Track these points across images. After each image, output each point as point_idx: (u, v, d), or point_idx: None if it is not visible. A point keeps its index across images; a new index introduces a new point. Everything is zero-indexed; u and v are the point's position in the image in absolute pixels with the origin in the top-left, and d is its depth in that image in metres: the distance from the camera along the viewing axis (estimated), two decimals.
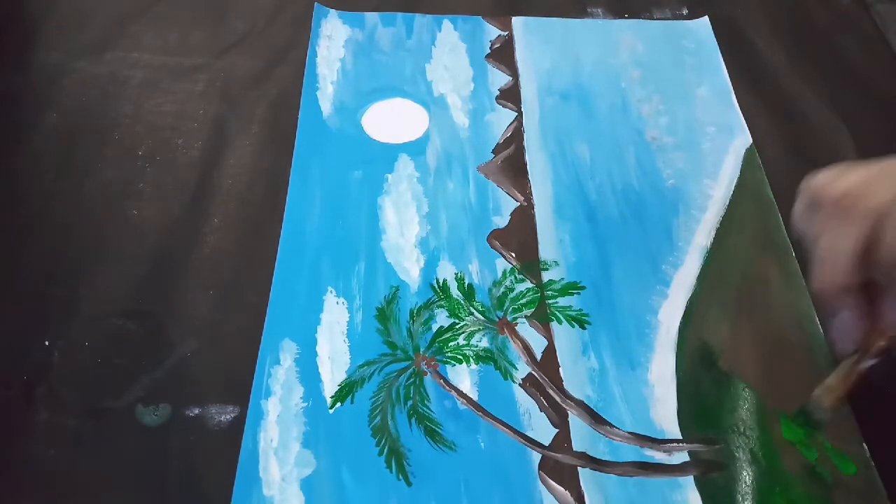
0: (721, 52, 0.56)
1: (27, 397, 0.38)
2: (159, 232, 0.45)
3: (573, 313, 0.42)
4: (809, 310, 0.42)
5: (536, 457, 0.37)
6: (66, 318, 0.41)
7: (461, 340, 0.41)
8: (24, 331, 0.41)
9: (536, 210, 0.47)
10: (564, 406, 0.39)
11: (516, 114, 0.52)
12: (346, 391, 0.39)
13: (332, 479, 0.36)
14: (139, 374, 0.39)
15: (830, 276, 0.32)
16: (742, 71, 0.55)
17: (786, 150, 0.50)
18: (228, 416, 0.38)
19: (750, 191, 0.48)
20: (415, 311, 0.42)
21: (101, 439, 0.37)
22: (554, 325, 0.42)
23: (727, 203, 0.47)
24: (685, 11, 0.59)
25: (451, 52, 0.56)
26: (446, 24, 0.58)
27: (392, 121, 0.51)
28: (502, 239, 0.45)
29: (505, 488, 0.36)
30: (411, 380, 0.40)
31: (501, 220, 0.46)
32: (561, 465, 0.37)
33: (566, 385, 0.40)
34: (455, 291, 0.43)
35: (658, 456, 0.37)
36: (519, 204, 0.47)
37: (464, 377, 0.40)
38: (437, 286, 0.43)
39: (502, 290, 0.43)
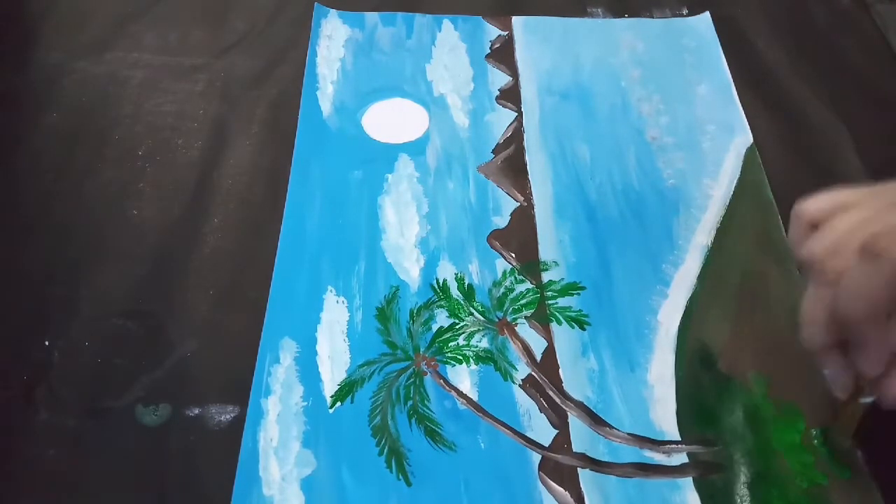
0: (721, 50, 0.56)
1: (27, 397, 0.38)
2: (159, 232, 0.45)
3: (573, 314, 0.42)
4: None
5: (536, 457, 0.37)
6: (66, 318, 0.41)
7: (461, 341, 0.41)
8: (24, 331, 0.41)
9: (536, 210, 0.47)
10: (564, 407, 0.39)
11: (516, 114, 0.52)
12: (346, 391, 0.39)
13: (332, 478, 0.36)
14: (139, 374, 0.39)
15: (810, 338, 0.34)
16: (742, 71, 0.55)
17: (786, 150, 0.50)
18: (228, 416, 0.38)
19: (750, 190, 0.48)
20: (415, 311, 0.42)
21: (101, 439, 0.37)
22: (554, 325, 0.42)
23: (727, 203, 0.47)
24: (685, 11, 0.59)
25: (451, 52, 0.56)
26: (446, 23, 0.58)
27: (392, 121, 0.51)
28: (502, 239, 0.45)
29: (505, 489, 0.36)
30: (411, 380, 0.40)
31: (501, 221, 0.46)
32: (561, 465, 0.37)
33: (566, 386, 0.40)
34: (455, 291, 0.43)
35: (657, 457, 0.37)
36: (519, 204, 0.47)
37: (464, 377, 0.40)
38: (437, 286, 0.43)
39: (502, 290, 0.43)
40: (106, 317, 0.42)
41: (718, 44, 0.56)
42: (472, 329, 0.42)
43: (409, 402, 0.39)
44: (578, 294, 0.43)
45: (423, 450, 0.37)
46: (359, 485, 0.36)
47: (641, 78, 0.54)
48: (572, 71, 0.55)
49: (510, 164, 0.49)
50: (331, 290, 0.43)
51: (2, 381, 0.39)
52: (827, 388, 0.36)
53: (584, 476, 0.37)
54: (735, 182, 0.48)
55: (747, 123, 0.51)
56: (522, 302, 0.43)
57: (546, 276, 0.44)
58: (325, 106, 0.52)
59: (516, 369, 0.40)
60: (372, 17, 0.58)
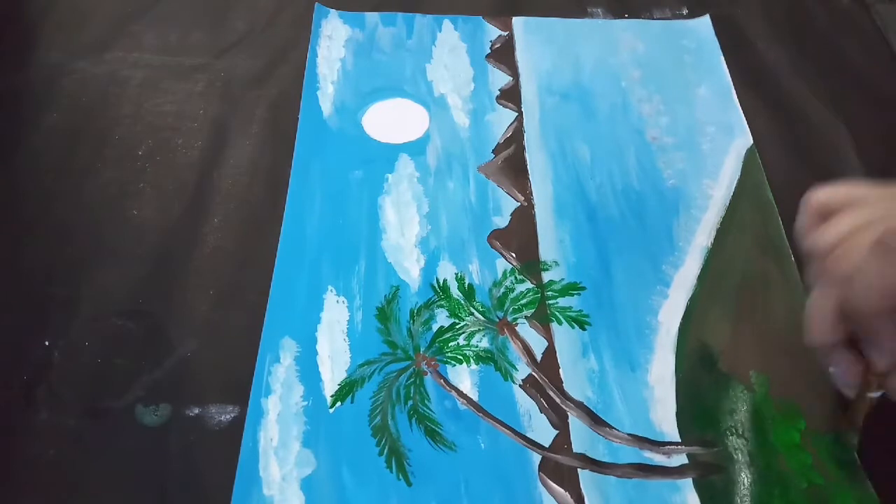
0: (721, 52, 0.56)
1: (27, 397, 0.38)
2: (159, 232, 0.45)
3: (573, 314, 0.42)
4: None
5: (536, 458, 0.37)
6: (66, 318, 0.41)
7: (461, 340, 0.41)
8: (24, 331, 0.41)
9: (536, 210, 0.47)
10: (564, 407, 0.39)
11: (516, 114, 0.52)
12: (346, 390, 0.39)
13: (332, 478, 0.36)
14: (139, 374, 0.39)
15: (818, 334, 0.34)
16: (742, 71, 0.55)
17: (786, 150, 0.50)
18: (228, 416, 0.38)
19: (750, 191, 0.48)
20: (415, 310, 0.42)
21: (101, 439, 0.37)
22: (554, 325, 0.42)
23: (727, 203, 0.47)
24: (685, 11, 0.59)
25: (451, 52, 0.56)
26: (446, 24, 0.58)
27: (392, 121, 0.51)
28: (502, 239, 0.45)
29: (505, 489, 0.36)
30: (411, 380, 0.40)
31: (501, 220, 0.46)
32: (561, 466, 0.37)
33: (566, 386, 0.40)
34: (455, 291, 0.43)
35: (657, 458, 0.37)
36: (519, 204, 0.47)
37: (464, 377, 0.40)
38: (437, 286, 0.43)
39: (502, 290, 0.43)
40: (106, 317, 0.42)
41: (718, 46, 0.56)
42: (472, 329, 0.42)
43: (410, 402, 0.39)
44: (579, 294, 0.43)
45: (423, 450, 0.37)
46: (359, 485, 0.36)
47: (641, 78, 0.54)
48: (572, 71, 0.55)
49: (510, 164, 0.49)
50: (331, 290, 0.43)
51: (2, 381, 0.39)
52: (830, 388, 0.36)
53: (584, 476, 0.37)
54: (735, 183, 0.48)
55: (747, 125, 0.51)
56: (523, 302, 0.43)
57: (546, 276, 0.44)
58: (326, 106, 0.52)
59: (516, 369, 0.40)
60: (372, 17, 0.58)
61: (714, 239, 0.45)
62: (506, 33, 0.57)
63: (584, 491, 0.36)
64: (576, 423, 0.38)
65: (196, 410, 0.38)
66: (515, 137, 0.51)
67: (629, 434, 0.38)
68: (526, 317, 0.42)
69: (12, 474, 0.36)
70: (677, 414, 0.38)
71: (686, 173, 0.49)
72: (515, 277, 0.44)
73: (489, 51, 0.56)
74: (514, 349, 0.41)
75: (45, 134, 0.50)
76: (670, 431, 0.38)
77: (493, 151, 0.50)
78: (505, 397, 0.39)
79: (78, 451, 0.37)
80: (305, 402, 0.39)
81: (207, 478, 0.36)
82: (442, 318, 0.42)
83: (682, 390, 0.39)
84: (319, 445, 0.37)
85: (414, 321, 0.42)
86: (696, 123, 0.51)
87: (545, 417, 0.39)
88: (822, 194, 0.36)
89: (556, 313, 0.42)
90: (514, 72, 0.55)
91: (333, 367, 0.40)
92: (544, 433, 0.38)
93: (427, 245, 0.45)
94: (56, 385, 0.39)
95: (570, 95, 0.53)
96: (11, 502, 0.36)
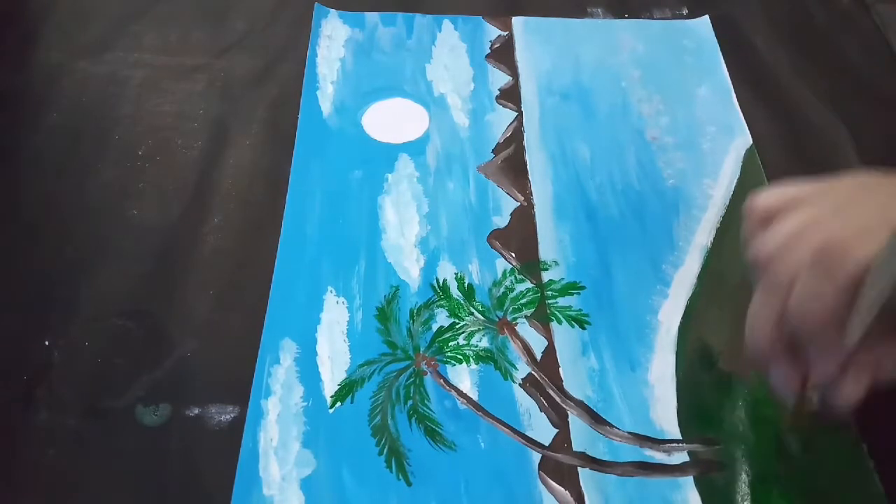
0: (721, 52, 0.56)
1: (27, 397, 0.38)
2: (159, 232, 0.45)
3: (573, 313, 0.42)
4: None
5: (536, 457, 0.37)
6: (66, 318, 0.41)
7: (461, 340, 0.41)
8: (24, 331, 0.41)
9: (536, 210, 0.47)
10: (564, 406, 0.39)
11: (516, 114, 0.52)
12: (346, 391, 0.39)
13: (332, 478, 0.36)
14: (139, 374, 0.39)
15: (758, 342, 0.33)
16: (742, 71, 0.55)
17: (786, 150, 0.50)
18: (228, 416, 0.38)
19: (750, 191, 0.47)
20: (415, 310, 0.42)
21: (101, 439, 0.37)
22: (554, 325, 0.42)
23: (727, 203, 0.47)
24: (685, 11, 0.59)
25: (451, 52, 0.56)
26: (446, 24, 0.58)
27: (392, 121, 0.51)
28: (502, 239, 0.45)
29: (505, 488, 0.36)
30: (411, 379, 0.40)
31: (501, 220, 0.46)
32: (561, 465, 0.37)
33: (566, 385, 0.40)
34: (455, 291, 0.43)
35: (658, 456, 0.37)
36: (519, 204, 0.47)
37: (464, 377, 0.40)
38: (437, 286, 0.43)
39: (502, 290, 0.43)
40: (106, 317, 0.42)
41: (718, 47, 0.56)
42: (472, 328, 0.42)
43: (409, 402, 0.39)
44: (578, 293, 0.43)
45: (423, 449, 0.37)
46: (359, 485, 0.36)
47: (641, 78, 0.54)
48: (572, 71, 0.55)
49: (510, 163, 0.49)
50: (331, 291, 0.43)
51: (2, 381, 0.39)
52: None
53: (585, 475, 0.37)
54: (735, 182, 0.48)
55: (746, 126, 0.51)
56: (522, 301, 0.43)
57: (546, 276, 0.44)
58: (325, 106, 0.52)
59: (516, 368, 0.40)
60: (372, 17, 0.58)
61: (714, 238, 0.45)
62: (506, 33, 0.57)
63: (584, 489, 0.36)
64: (576, 422, 0.38)
65: (196, 410, 0.38)
66: (515, 137, 0.51)
67: (629, 432, 0.38)
68: (526, 316, 0.42)
69: (12, 474, 0.36)
70: (678, 412, 0.38)
71: (686, 173, 0.49)
72: (515, 277, 0.44)
73: (489, 51, 0.56)
74: (514, 349, 0.41)
75: (45, 134, 0.50)
76: (671, 430, 0.38)
77: (493, 151, 0.50)
78: (505, 397, 0.39)
79: (78, 451, 0.37)
80: (305, 403, 0.39)
81: (207, 478, 0.36)
82: (442, 318, 0.42)
83: (683, 389, 0.39)
84: (319, 445, 0.37)
85: (414, 321, 0.42)
86: (695, 123, 0.51)
87: (545, 416, 0.39)
88: (761, 199, 0.35)
89: (556, 313, 0.42)
90: (513, 72, 0.55)
91: (333, 367, 0.40)
92: (544, 432, 0.38)
93: (427, 245, 0.45)
94: (56, 385, 0.39)
95: (570, 95, 0.53)
96: (11, 502, 0.36)
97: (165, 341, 0.41)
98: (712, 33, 0.57)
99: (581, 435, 0.38)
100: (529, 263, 0.44)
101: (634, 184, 0.48)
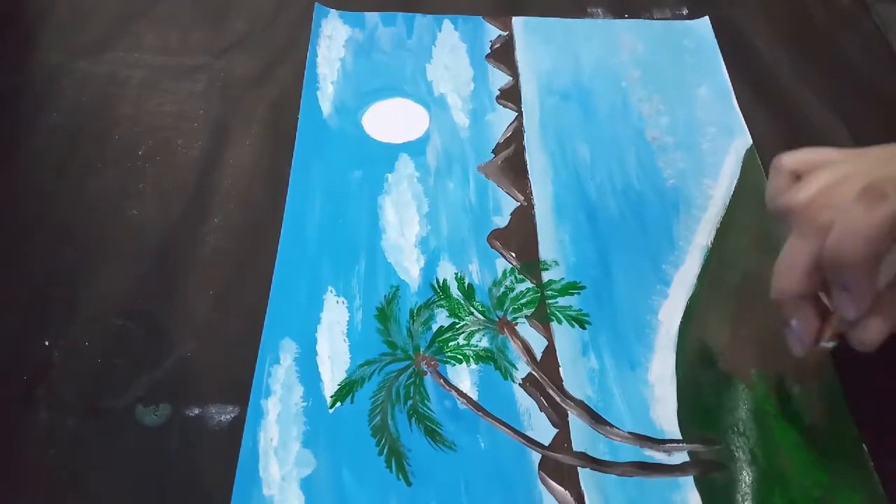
0: (721, 52, 0.56)
1: (27, 397, 0.38)
2: (159, 232, 0.45)
3: (573, 313, 0.42)
4: None
5: (536, 457, 0.37)
6: (66, 318, 0.41)
7: (461, 340, 0.41)
8: (24, 331, 0.41)
9: (536, 210, 0.47)
10: (564, 406, 0.39)
11: (516, 114, 0.52)
12: (346, 391, 0.39)
13: (332, 478, 0.36)
14: (139, 374, 0.39)
15: (789, 284, 0.34)
16: (742, 71, 0.55)
17: (786, 150, 0.50)
18: (228, 416, 0.38)
19: (750, 191, 0.48)
20: (415, 310, 0.42)
21: (101, 439, 0.37)
22: (554, 324, 0.42)
23: (727, 203, 0.47)
24: (685, 11, 0.59)
25: (451, 52, 0.56)
26: (446, 24, 0.58)
27: (392, 121, 0.51)
28: (502, 239, 0.45)
29: (505, 488, 0.36)
30: (411, 379, 0.40)
31: (501, 220, 0.46)
32: (561, 465, 0.37)
33: (566, 385, 0.40)
34: (455, 291, 0.43)
35: (658, 456, 0.37)
36: (519, 204, 0.47)
37: (464, 377, 0.40)
38: (437, 286, 0.43)
39: (502, 289, 0.43)
40: (106, 317, 0.42)
41: (717, 47, 0.56)
42: (472, 328, 0.42)
43: (409, 402, 0.39)
44: (578, 293, 0.43)
45: (423, 449, 0.37)
46: (359, 485, 0.36)
47: (641, 78, 0.54)
48: (572, 71, 0.55)
49: (510, 163, 0.49)
50: (331, 291, 0.43)
51: (2, 381, 0.39)
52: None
53: (585, 475, 0.37)
54: (735, 183, 0.48)
55: (746, 127, 0.51)
56: (522, 301, 0.43)
57: (546, 276, 0.44)
58: (326, 106, 0.52)
59: (516, 368, 0.40)
60: (372, 17, 0.58)
61: (714, 238, 0.45)
62: (506, 33, 0.57)
63: (584, 489, 0.36)
64: (576, 422, 0.38)
65: (196, 410, 0.38)
66: (515, 137, 0.51)
67: (630, 432, 0.38)
68: (526, 316, 0.42)
69: (12, 474, 0.36)
70: (678, 412, 0.38)
71: (686, 173, 0.49)
72: (515, 277, 0.44)
73: (489, 51, 0.56)
74: (514, 348, 0.41)
75: (45, 134, 0.50)
76: (671, 430, 0.38)
77: (493, 151, 0.50)
78: (505, 396, 0.39)
79: (78, 451, 0.37)
80: (305, 403, 0.39)
81: (207, 478, 0.36)
82: (442, 318, 0.42)
83: (683, 389, 0.39)
84: (319, 445, 0.37)
85: (414, 321, 0.42)
86: (695, 123, 0.51)
87: (545, 416, 0.39)
88: (793, 156, 0.36)
89: (556, 312, 0.42)
90: (513, 72, 0.55)
91: (333, 367, 0.40)
92: (544, 432, 0.38)
93: (427, 245, 0.45)
94: (56, 385, 0.39)
95: (570, 95, 0.53)
96: (11, 502, 0.36)
97: (165, 341, 0.41)
98: (712, 34, 0.57)
99: (581, 435, 0.38)
100: (529, 263, 0.44)
101: (634, 184, 0.48)
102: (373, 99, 0.52)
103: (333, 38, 0.56)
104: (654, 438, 0.38)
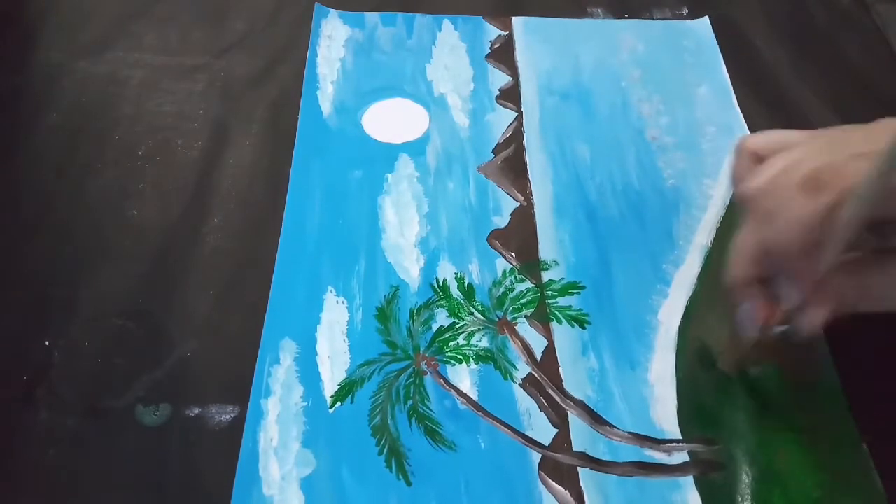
0: (721, 52, 0.56)
1: (27, 397, 0.38)
2: (159, 232, 0.45)
3: (573, 313, 0.42)
4: None
5: (536, 457, 0.37)
6: (66, 318, 0.41)
7: (461, 340, 0.41)
8: (24, 331, 0.41)
9: (536, 210, 0.47)
10: (564, 406, 0.39)
11: (516, 114, 0.52)
12: (346, 391, 0.39)
13: (332, 478, 0.36)
14: (139, 374, 0.39)
15: (738, 269, 0.35)
16: (742, 71, 0.55)
17: None
18: (228, 416, 0.38)
19: None
20: (415, 310, 0.42)
21: (101, 439, 0.37)
22: (554, 324, 0.42)
23: (727, 203, 0.47)
24: (685, 11, 0.59)
25: (451, 52, 0.56)
26: (446, 24, 0.58)
27: (392, 121, 0.51)
28: (502, 239, 0.45)
29: (505, 488, 0.36)
30: (411, 379, 0.40)
31: (501, 220, 0.46)
32: (561, 465, 0.37)
33: (566, 385, 0.40)
34: (455, 291, 0.43)
35: (658, 456, 0.37)
36: (519, 204, 0.47)
37: (464, 377, 0.40)
38: (437, 286, 0.43)
39: (502, 289, 0.43)
40: (106, 317, 0.42)
41: (717, 47, 0.56)
42: (472, 328, 0.42)
43: (409, 402, 0.39)
44: (578, 293, 0.43)
45: (422, 449, 0.37)
46: (359, 485, 0.36)
47: (641, 78, 0.54)
48: (572, 71, 0.55)
49: (510, 163, 0.49)
50: (331, 291, 0.43)
51: (2, 381, 0.39)
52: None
53: (584, 475, 0.37)
54: None
55: (746, 126, 0.51)
56: (522, 301, 0.43)
57: (546, 276, 0.44)
58: (325, 106, 0.52)
59: (516, 368, 0.40)
60: (372, 17, 0.58)
61: (714, 238, 0.45)
62: (506, 33, 0.57)
63: (584, 489, 0.36)
64: (575, 422, 0.38)
65: (196, 410, 0.38)
66: (515, 137, 0.51)
67: (629, 432, 0.38)
68: (526, 316, 0.42)
69: (12, 474, 0.36)
70: (678, 412, 0.38)
71: (686, 173, 0.49)
72: (515, 277, 0.44)
73: (489, 51, 0.56)
74: (514, 348, 0.41)
75: (45, 134, 0.50)
76: (671, 430, 0.38)
77: (493, 151, 0.50)
78: (505, 396, 0.39)
79: (78, 451, 0.37)
80: (305, 403, 0.39)
81: (207, 478, 0.36)
82: (442, 318, 0.42)
83: (683, 389, 0.39)
84: (319, 445, 0.37)
85: (414, 321, 0.42)
86: (695, 123, 0.51)
87: (545, 416, 0.39)
88: (755, 138, 0.36)
89: (556, 312, 0.42)
90: (513, 72, 0.55)
91: (333, 367, 0.40)
92: (544, 432, 0.38)
93: (427, 245, 0.45)
94: (56, 385, 0.39)
95: (570, 95, 0.53)
96: (11, 502, 0.36)
97: (165, 341, 0.41)
98: (712, 34, 0.57)
99: (581, 435, 0.38)
100: (529, 263, 0.44)
101: (634, 183, 0.48)
102: (373, 99, 0.52)
103: (333, 38, 0.56)
104: (653, 438, 0.38)
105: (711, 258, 0.44)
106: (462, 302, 0.43)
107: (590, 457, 0.37)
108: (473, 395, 0.39)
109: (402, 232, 0.45)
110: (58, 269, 0.44)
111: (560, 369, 0.40)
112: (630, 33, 0.57)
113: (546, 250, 0.45)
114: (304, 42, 0.56)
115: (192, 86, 0.53)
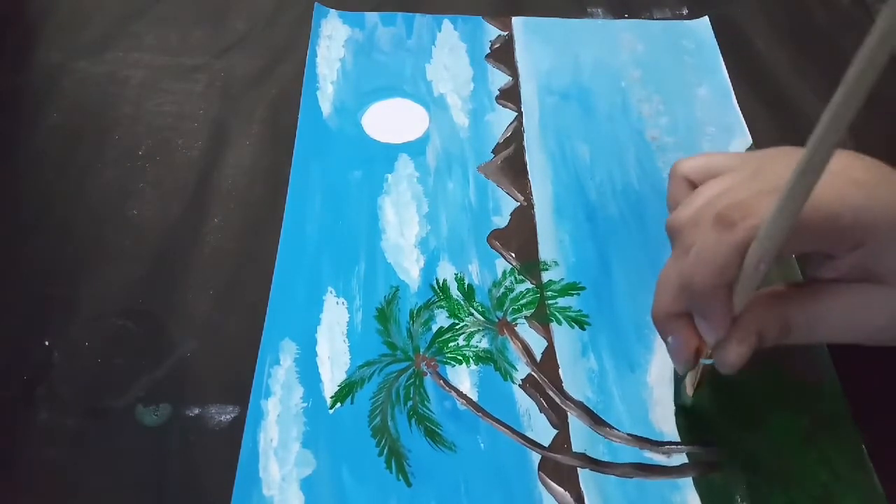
0: (721, 52, 0.56)
1: (27, 397, 0.38)
2: (159, 232, 0.45)
3: (573, 314, 0.42)
4: None
5: (536, 457, 0.37)
6: (66, 318, 0.41)
7: (461, 341, 0.41)
8: (24, 331, 0.41)
9: (536, 210, 0.47)
10: (564, 407, 0.39)
11: (516, 114, 0.52)
12: (346, 391, 0.39)
13: (332, 479, 0.36)
14: (139, 374, 0.39)
15: (660, 305, 0.34)
16: (742, 71, 0.55)
17: None
18: (228, 416, 0.38)
19: None
20: (415, 311, 0.42)
21: (101, 439, 0.37)
22: (554, 325, 0.42)
23: None
24: (685, 11, 0.59)
25: (451, 52, 0.56)
26: (446, 24, 0.58)
27: (392, 121, 0.51)
28: (502, 239, 0.45)
29: (505, 489, 0.36)
30: (411, 380, 0.40)
31: (501, 220, 0.46)
32: (560, 465, 0.37)
33: (566, 386, 0.40)
34: (455, 292, 0.43)
35: (657, 457, 0.37)
36: (519, 204, 0.47)
37: (464, 378, 0.40)
38: (436, 286, 0.43)
39: (502, 290, 0.43)
40: (106, 317, 0.42)
41: (717, 48, 0.56)
42: (471, 329, 0.42)
43: (409, 403, 0.39)
44: (578, 294, 0.43)
45: (422, 450, 0.37)
46: (359, 485, 0.36)
47: (641, 78, 0.54)
48: (572, 71, 0.55)
49: (510, 163, 0.49)
50: (331, 291, 0.43)
51: (2, 381, 0.39)
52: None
53: (584, 476, 0.37)
54: None
55: (746, 126, 0.51)
56: (522, 302, 0.43)
57: (546, 276, 0.44)
58: (325, 106, 0.52)
59: (516, 369, 0.40)
60: (372, 17, 0.58)
61: None
62: (505, 33, 0.57)
63: (583, 490, 0.36)
64: (575, 423, 0.38)
65: (196, 410, 0.38)
66: (515, 137, 0.51)
67: (629, 434, 0.38)
68: (525, 317, 0.42)
69: (12, 474, 0.36)
70: (675, 414, 0.38)
71: None
72: (515, 277, 0.44)
73: (489, 51, 0.56)
74: (514, 349, 0.41)
75: (45, 134, 0.50)
76: (669, 431, 0.38)
77: (493, 151, 0.50)
78: (504, 397, 0.39)
79: (78, 451, 0.37)
80: (305, 404, 0.39)
81: (207, 478, 0.36)
82: (441, 319, 0.42)
83: (681, 390, 0.39)
84: (319, 446, 0.37)
85: (413, 322, 0.42)
86: (695, 123, 0.51)
87: (545, 417, 0.39)
88: (688, 164, 0.36)
89: (556, 313, 0.42)
90: (513, 72, 0.55)
91: (333, 368, 0.40)
92: (544, 433, 0.38)
93: (427, 245, 0.45)
94: (56, 385, 0.39)
95: (570, 95, 0.53)
96: (11, 502, 0.36)
97: (165, 341, 0.41)
98: (712, 34, 0.57)
99: (581, 436, 0.38)
100: (529, 264, 0.44)
101: (634, 184, 0.48)
102: (372, 99, 0.52)
103: (333, 38, 0.56)
104: (652, 440, 0.38)
105: None
106: (462, 303, 0.43)
107: (589, 458, 0.37)
108: (473, 396, 0.39)
109: (402, 232, 0.45)
110: (57, 268, 0.44)
111: (560, 370, 0.40)
112: (630, 33, 0.57)
113: (546, 250, 0.45)
114: (303, 42, 0.56)
115: (192, 86, 0.53)
